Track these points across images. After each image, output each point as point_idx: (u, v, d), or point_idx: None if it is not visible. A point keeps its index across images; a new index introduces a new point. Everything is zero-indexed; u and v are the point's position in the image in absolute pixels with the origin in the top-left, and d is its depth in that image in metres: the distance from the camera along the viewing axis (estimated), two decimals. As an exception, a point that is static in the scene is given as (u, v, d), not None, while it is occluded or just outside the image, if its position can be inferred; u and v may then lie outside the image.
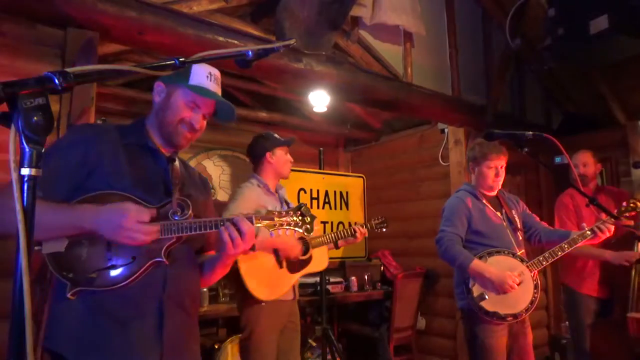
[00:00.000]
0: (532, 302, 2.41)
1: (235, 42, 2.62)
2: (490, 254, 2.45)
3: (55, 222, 1.14)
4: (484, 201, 2.62)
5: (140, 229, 1.15)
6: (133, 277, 1.22)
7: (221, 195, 5.08)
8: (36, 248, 1.14)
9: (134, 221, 1.14)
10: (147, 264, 1.23)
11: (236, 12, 3.21)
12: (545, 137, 2.08)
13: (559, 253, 2.46)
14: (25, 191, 0.72)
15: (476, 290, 2.41)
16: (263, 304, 2.46)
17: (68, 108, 2.06)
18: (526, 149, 2.06)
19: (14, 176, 0.71)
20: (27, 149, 0.72)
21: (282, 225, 1.38)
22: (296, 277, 2.62)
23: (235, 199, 2.52)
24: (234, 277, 2.43)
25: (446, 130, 4.33)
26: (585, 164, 3.30)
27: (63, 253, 1.17)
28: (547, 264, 2.48)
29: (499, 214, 2.60)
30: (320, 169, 4.13)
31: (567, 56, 3.25)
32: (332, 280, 4.25)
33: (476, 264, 2.38)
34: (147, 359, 1.26)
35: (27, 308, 0.69)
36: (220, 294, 3.77)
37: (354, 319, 4.54)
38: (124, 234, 1.14)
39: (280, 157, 2.70)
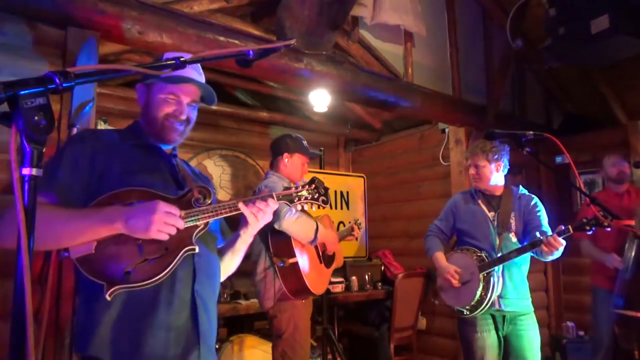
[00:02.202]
0: (479, 302, 2.45)
1: (236, 42, 2.62)
2: (460, 250, 2.63)
3: (84, 227, 1.13)
4: (479, 200, 2.67)
5: (171, 222, 1.14)
6: (169, 269, 1.20)
7: (222, 195, 5.08)
8: (65, 255, 1.14)
9: (164, 215, 1.13)
10: (181, 254, 1.22)
11: (237, 12, 3.22)
12: (546, 136, 2.08)
13: (507, 258, 2.43)
14: (26, 191, 0.72)
15: (439, 282, 2.68)
16: (303, 300, 2.50)
17: (68, 108, 2.06)
18: (527, 149, 2.06)
19: (15, 176, 0.71)
20: (27, 149, 0.72)
21: (299, 199, 1.45)
22: (330, 272, 2.68)
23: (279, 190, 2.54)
24: (291, 272, 2.44)
25: (447, 130, 4.33)
26: (615, 166, 3.44)
27: (94, 255, 1.14)
28: (495, 266, 2.45)
29: (492, 214, 2.61)
30: (320, 168, 4.13)
31: (567, 56, 3.25)
32: (332, 280, 4.25)
33: (435, 255, 2.65)
34: (187, 357, 1.25)
35: (28, 308, 0.69)
36: (221, 294, 3.77)
37: (354, 319, 4.54)
38: (156, 229, 1.13)
39: (296, 163, 2.72)
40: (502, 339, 2.51)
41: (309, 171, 3.73)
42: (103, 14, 2.17)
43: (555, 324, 4.53)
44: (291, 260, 2.42)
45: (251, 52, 1.10)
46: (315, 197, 1.47)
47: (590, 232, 2.35)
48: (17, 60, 1.98)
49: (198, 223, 1.25)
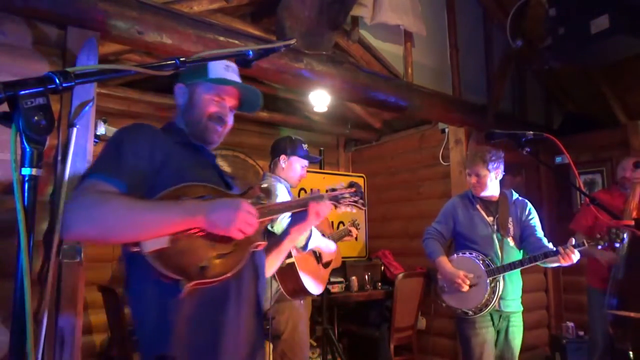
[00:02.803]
0: (485, 305, 2.54)
1: (236, 42, 2.62)
2: (463, 254, 2.67)
3: (164, 219, 1.08)
4: (477, 205, 2.73)
5: (251, 221, 1.13)
6: (240, 264, 1.18)
7: (221, 195, 5.08)
8: (134, 249, 1.06)
9: (246, 214, 1.12)
10: (250, 249, 1.22)
11: (237, 12, 3.22)
12: (546, 136, 2.08)
13: (517, 266, 2.53)
14: (26, 191, 0.72)
15: (440, 283, 2.72)
16: (302, 301, 2.50)
17: (68, 108, 2.06)
18: (527, 149, 2.06)
19: (15, 176, 0.71)
20: (27, 149, 0.72)
21: (344, 199, 1.52)
22: (328, 272, 2.68)
23: (275, 193, 2.53)
24: (288, 273, 2.44)
25: (446, 130, 4.33)
26: (622, 169, 3.38)
27: (169, 249, 1.08)
28: (504, 273, 2.54)
29: (490, 219, 2.68)
30: (320, 169, 4.13)
31: (567, 56, 3.25)
32: (332, 280, 4.25)
33: (439, 260, 2.66)
34: (254, 355, 1.24)
35: (28, 308, 0.69)
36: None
37: (354, 319, 4.54)
38: (237, 227, 1.10)
39: (293, 166, 2.71)
40: (496, 333, 2.64)
41: (310, 171, 3.74)
42: (103, 14, 2.17)
43: (555, 324, 4.54)
44: (288, 261, 2.42)
45: (251, 52, 1.10)
46: (356, 199, 1.56)
47: (600, 247, 2.46)
48: (17, 60, 1.98)
49: (267, 218, 1.27)
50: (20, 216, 0.70)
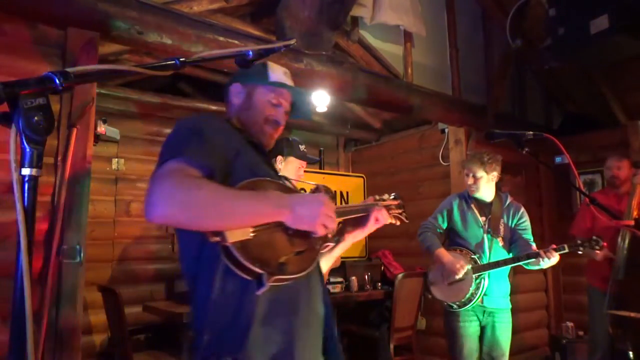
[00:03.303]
0: (469, 299, 2.68)
1: (236, 42, 2.62)
2: (453, 250, 2.82)
3: (253, 209, 1.05)
4: (472, 205, 2.85)
5: (334, 217, 1.12)
6: (315, 263, 1.18)
7: (221, 195, 5.08)
8: (214, 239, 0.99)
9: (329, 210, 1.11)
10: (321, 247, 1.21)
11: (236, 12, 3.22)
12: (546, 137, 2.08)
13: (501, 264, 2.66)
14: (26, 191, 0.72)
15: (430, 277, 2.89)
16: None
17: (68, 108, 2.06)
18: (526, 149, 2.06)
19: (15, 176, 0.71)
20: (27, 149, 0.72)
21: (391, 210, 1.59)
22: (327, 272, 2.70)
23: None
24: None
25: (446, 130, 4.33)
26: (618, 167, 3.40)
27: (252, 240, 1.03)
28: (489, 270, 2.67)
29: (483, 219, 2.80)
30: (320, 169, 4.13)
31: (567, 56, 3.25)
32: (332, 280, 4.25)
33: (439, 251, 2.77)
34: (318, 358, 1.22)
35: (28, 308, 0.69)
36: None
37: (354, 319, 4.54)
38: (321, 223, 1.09)
39: (290, 167, 2.70)
40: (480, 329, 2.76)
41: (308, 171, 3.75)
42: (103, 14, 2.17)
43: (555, 324, 4.54)
44: None
45: (251, 53, 1.09)
46: (401, 212, 1.64)
47: (580, 252, 2.60)
48: (17, 60, 1.98)
49: (340, 219, 1.28)
50: (20, 216, 0.70)
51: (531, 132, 2.08)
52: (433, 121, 4.55)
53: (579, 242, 2.58)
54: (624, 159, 3.43)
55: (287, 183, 1.33)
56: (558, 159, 4.44)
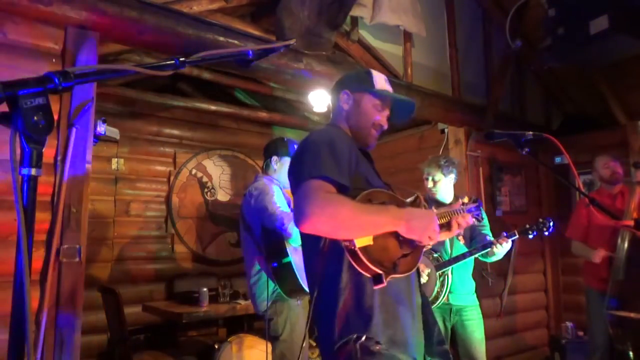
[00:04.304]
0: (436, 297, 2.70)
1: (236, 42, 2.62)
2: None
3: (379, 222, 1.27)
4: (433, 207, 2.87)
5: (437, 231, 1.34)
6: (417, 264, 1.38)
7: (221, 195, 5.08)
8: (346, 244, 1.24)
9: (436, 224, 1.34)
10: (422, 250, 1.41)
11: (236, 12, 3.22)
12: (545, 137, 2.08)
13: (460, 258, 2.70)
14: (26, 191, 0.72)
15: None
16: (298, 302, 2.49)
17: (68, 108, 2.06)
18: (526, 149, 2.06)
19: (14, 176, 0.71)
20: (27, 149, 0.72)
21: (471, 212, 1.77)
22: None
23: (271, 193, 2.52)
24: (284, 272, 2.43)
25: (446, 130, 4.33)
26: (616, 166, 3.40)
27: (372, 246, 1.26)
28: (450, 265, 2.71)
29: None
30: (320, 169, 4.12)
31: (567, 56, 3.25)
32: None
33: None
34: (421, 346, 1.40)
35: (27, 308, 0.69)
36: (221, 294, 3.77)
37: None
38: (428, 235, 1.32)
39: (284, 168, 2.71)
40: (449, 330, 2.79)
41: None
42: (103, 14, 2.17)
43: (555, 324, 4.54)
44: (285, 260, 2.42)
45: (251, 52, 1.09)
46: (479, 213, 1.87)
47: (531, 237, 2.69)
48: (17, 60, 1.98)
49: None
50: (20, 216, 0.70)
51: (531, 132, 2.08)
52: (433, 121, 4.55)
53: (527, 226, 2.68)
54: (616, 159, 3.45)
55: (392, 192, 1.49)
56: (557, 159, 4.44)
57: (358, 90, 1.55)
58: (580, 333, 4.11)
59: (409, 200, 1.47)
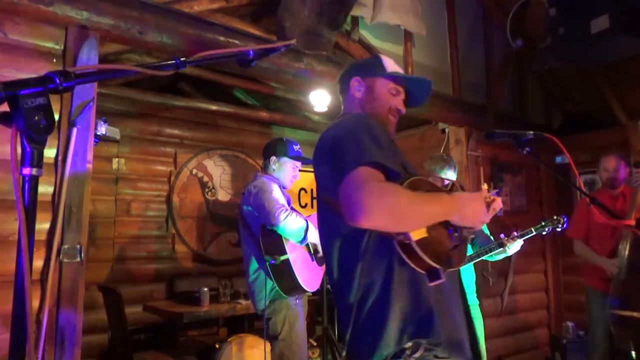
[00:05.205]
0: None
1: (236, 42, 2.62)
2: None
3: (434, 212, 1.16)
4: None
5: (487, 213, 1.24)
6: (466, 254, 1.29)
7: (222, 195, 5.08)
8: (399, 238, 1.12)
9: (485, 206, 1.23)
10: (467, 239, 1.30)
11: (237, 11, 3.22)
12: (546, 136, 2.08)
13: (480, 255, 2.63)
14: (27, 191, 0.72)
15: None
16: (297, 301, 2.50)
17: (69, 107, 2.06)
18: (527, 149, 2.05)
19: (15, 176, 0.71)
20: (28, 149, 0.72)
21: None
22: (323, 270, 2.70)
23: (269, 190, 2.51)
24: (283, 270, 2.43)
25: (447, 130, 4.33)
26: (615, 169, 3.37)
27: (428, 238, 1.14)
28: (467, 263, 2.67)
29: None
30: (320, 168, 4.12)
31: (568, 56, 3.25)
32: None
33: None
34: (466, 342, 1.28)
35: (28, 308, 0.69)
36: (221, 294, 3.77)
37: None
38: (481, 219, 1.22)
39: (283, 167, 2.71)
40: None
41: (311, 171, 3.75)
42: (103, 13, 2.17)
43: (556, 324, 4.54)
44: (283, 258, 2.42)
45: (251, 52, 1.09)
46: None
47: (545, 233, 2.62)
48: (18, 60, 1.98)
49: None
50: (21, 216, 0.70)
51: (531, 132, 2.08)
52: (433, 121, 4.55)
53: (542, 223, 2.62)
54: (620, 160, 3.41)
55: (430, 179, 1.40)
56: (558, 159, 4.43)
57: (369, 76, 1.45)
58: (581, 333, 4.10)
59: (447, 188, 1.37)
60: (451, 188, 1.35)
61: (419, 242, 1.11)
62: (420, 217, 1.13)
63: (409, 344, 1.15)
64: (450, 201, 1.19)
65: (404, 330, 1.15)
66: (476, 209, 1.21)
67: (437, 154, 2.94)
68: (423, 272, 1.14)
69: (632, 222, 3.01)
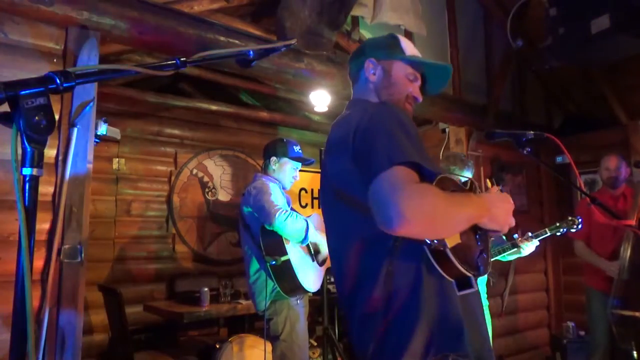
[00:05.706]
0: None
1: (236, 42, 2.62)
2: None
3: (468, 215, 1.06)
4: None
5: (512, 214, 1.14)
6: (491, 260, 1.18)
7: (222, 195, 5.08)
8: (434, 244, 1.02)
9: (513, 207, 1.14)
10: (489, 244, 1.20)
11: (237, 11, 3.22)
12: (547, 136, 2.07)
13: (493, 255, 2.65)
14: (27, 191, 0.72)
15: None
16: (298, 301, 2.50)
17: (69, 108, 2.06)
18: (527, 149, 2.05)
19: (16, 176, 0.71)
20: (28, 149, 0.72)
21: None
22: (324, 270, 2.70)
23: (269, 191, 2.51)
24: (283, 270, 2.43)
25: (447, 130, 4.33)
26: (616, 169, 3.37)
27: (461, 244, 1.05)
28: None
29: None
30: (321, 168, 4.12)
31: (568, 56, 3.24)
32: (333, 279, 4.25)
33: None
34: (487, 353, 1.19)
35: (29, 308, 0.69)
36: (221, 294, 3.77)
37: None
38: (509, 221, 1.12)
39: (283, 168, 2.71)
40: None
41: (311, 171, 3.75)
42: (103, 13, 2.17)
43: (556, 323, 4.54)
44: (283, 258, 2.42)
45: (252, 52, 1.09)
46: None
47: (559, 234, 2.65)
48: (18, 60, 1.99)
49: None
50: (21, 216, 0.70)
51: (532, 132, 2.07)
52: (434, 121, 4.54)
53: (557, 224, 2.64)
54: (622, 159, 3.41)
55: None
56: (559, 159, 4.43)
57: (386, 58, 1.30)
58: (582, 333, 4.10)
59: (466, 186, 1.27)
60: (470, 187, 1.23)
61: (454, 247, 1.03)
62: (458, 222, 1.04)
63: (436, 358, 1.05)
64: (480, 202, 1.10)
65: (431, 343, 1.05)
66: (507, 210, 1.12)
67: (453, 152, 2.90)
68: (452, 279, 1.05)
69: (633, 222, 3.01)
